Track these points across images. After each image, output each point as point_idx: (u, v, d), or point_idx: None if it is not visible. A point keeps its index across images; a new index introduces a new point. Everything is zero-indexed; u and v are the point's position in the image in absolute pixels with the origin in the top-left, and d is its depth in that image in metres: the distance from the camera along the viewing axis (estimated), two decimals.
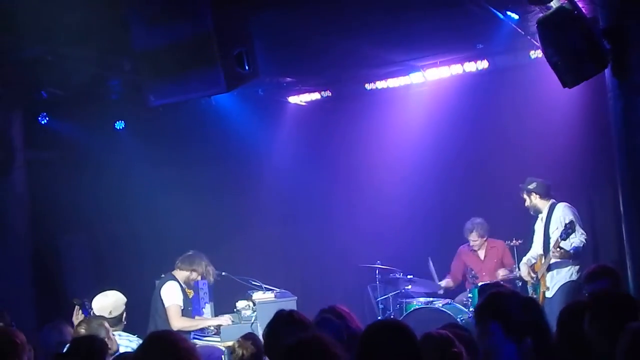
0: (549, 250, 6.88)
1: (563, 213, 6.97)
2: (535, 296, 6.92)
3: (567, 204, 7.06)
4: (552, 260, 6.88)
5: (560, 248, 6.72)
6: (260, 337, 4.22)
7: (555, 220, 6.99)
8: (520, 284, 7.43)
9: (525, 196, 7.23)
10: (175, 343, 3.19)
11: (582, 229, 6.91)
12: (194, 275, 6.87)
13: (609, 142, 5.57)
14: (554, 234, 6.91)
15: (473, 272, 7.85)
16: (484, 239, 7.97)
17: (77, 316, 5.61)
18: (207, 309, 7.71)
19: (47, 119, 7.93)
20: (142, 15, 5.38)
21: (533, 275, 7.10)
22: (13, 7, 5.22)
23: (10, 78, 6.88)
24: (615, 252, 7.26)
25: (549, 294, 6.91)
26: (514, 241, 7.61)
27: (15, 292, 7.19)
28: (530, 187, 7.18)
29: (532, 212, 7.28)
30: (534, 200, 7.19)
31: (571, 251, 6.76)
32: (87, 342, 4.02)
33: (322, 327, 4.05)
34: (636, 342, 2.63)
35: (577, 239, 6.83)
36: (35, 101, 7.40)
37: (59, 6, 5.16)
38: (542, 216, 7.17)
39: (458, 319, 7.13)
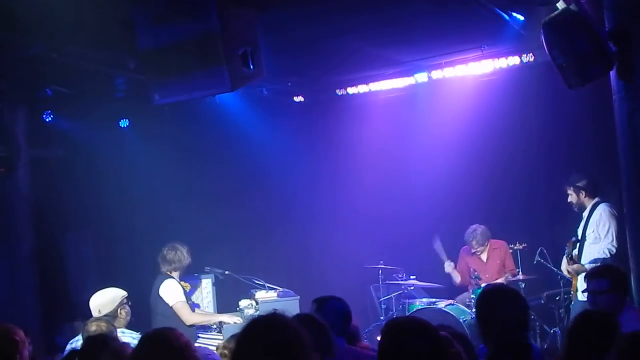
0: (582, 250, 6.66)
1: (601, 217, 6.67)
2: (571, 292, 6.80)
3: (608, 205, 6.71)
4: (585, 263, 6.60)
5: (575, 262, 6.57)
6: None
7: (592, 223, 6.71)
8: (523, 285, 7.42)
9: (572, 192, 6.88)
10: (169, 340, 3.19)
11: (616, 235, 6.55)
12: (184, 264, 6.85)
13: (613, 144, 5.56)
14: (590, 236, 6.69)
15: (476, 272, 7.84)
16: (485, 245, 7.96)
17: None
18: (210, 308, 7.71)
19: (52, 116, 7.94)
20: (148, 14, 5.38)
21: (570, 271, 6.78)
22: (18, 5, 5.23)
23: (15, 76, 6.89)
24: (621, 253, 7.20)
25: (581, 297, 6.34)
26: (517, 244, 7.55)
27: (19, 289, 7.20)
28: (580, 184, 6.83)
29: (576, 209, 6.94)
30: (582, 198, 6.85)
31: (587, 265, 6.47)
32: (100, 341, 4.04)
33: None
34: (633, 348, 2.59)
35: (601, 249, 6.57)
36: (39, 99, 7.41)
37: (64, 4, 5.17)
38: (585, 214, 6.86)
39: (460, 320, 7.14)
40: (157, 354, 3.15)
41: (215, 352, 4.42)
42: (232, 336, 4.52)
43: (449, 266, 8.10)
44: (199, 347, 5.18)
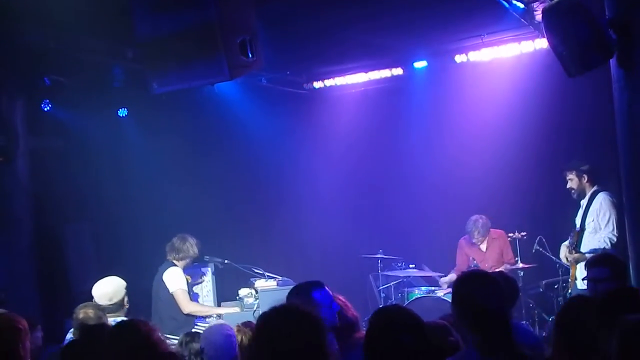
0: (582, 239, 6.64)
1: (601, 206, 6.62)
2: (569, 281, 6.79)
3: (607, 194, 6.65)
4: (585, 252, 6.58)
5: (576, 251, 6.57)
6: None
7: (592, 211, 6.66)
8: (522, 274, 7.43)
9: (573, 176, 6.80)
10: (139, 331, 3.19)
11: (616, 224, 6.49)
12: (191, 255, 6.91)
13: (613, 133, 5.54)
14: (590, 225, 6.66)
15: (475, 261, 7.86)
16: (486, 235, 7.97)
17: None
18: (210, 296, 7.73)
19: (50, 106, 7.90)
20: (146, 3, 5.35)
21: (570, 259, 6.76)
22: None
23: (13, 65, 6.86)
24: (620, 243, 7.20)
25: (580, 285, 6.31)
26: (516, 233, 7.54)
27: (18, 279, 7.20)
28: (583, 168, 6.76)
29: (574, 196, 6.87)
30: (583, 183, 6.78)
31: (587, 254, 6.44)
32: (97, 330, 4.03)
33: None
34: (632, 336, 2.52)
35: (602, 239, 6.54)
36: (38, 88, 7.38)
37: None
38: (583, 202, 6.80)
39: None
40: (128, 342, 3.15)
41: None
42: (244, 323, 4.53)
43: (446, 279, 8.06)
44: (221, 324, 5.15)
